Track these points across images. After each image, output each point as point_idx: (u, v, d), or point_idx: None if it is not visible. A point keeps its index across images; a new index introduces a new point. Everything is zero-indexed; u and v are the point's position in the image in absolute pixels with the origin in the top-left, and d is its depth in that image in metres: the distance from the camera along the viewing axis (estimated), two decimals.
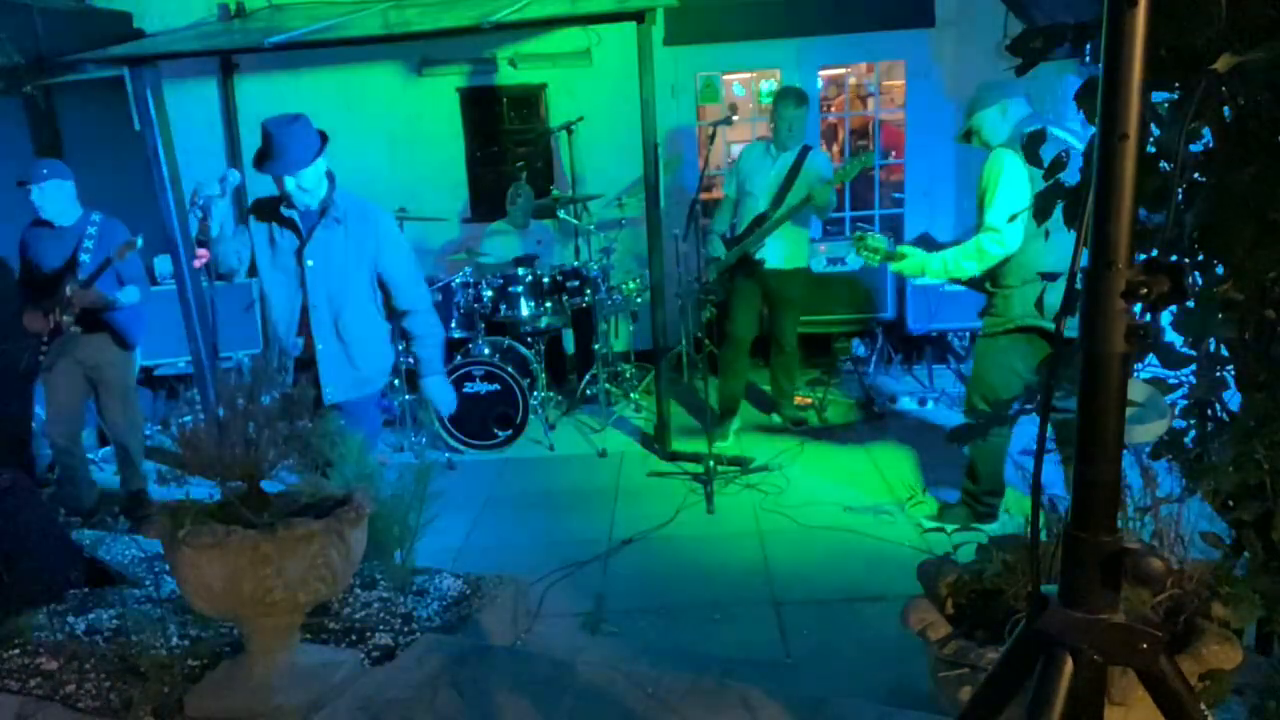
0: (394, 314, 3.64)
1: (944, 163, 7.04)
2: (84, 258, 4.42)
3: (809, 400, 5.89)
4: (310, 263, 3.42)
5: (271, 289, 3.52)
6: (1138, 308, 1.00)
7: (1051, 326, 3.54)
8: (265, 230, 3.49)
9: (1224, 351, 2.08)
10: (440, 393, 3.75)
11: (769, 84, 7.28)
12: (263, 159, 3.34)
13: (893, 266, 4.04)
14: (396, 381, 5.73)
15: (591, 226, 6.30)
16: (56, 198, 4.38)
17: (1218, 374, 2.07)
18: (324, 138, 3.38)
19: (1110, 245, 0.99)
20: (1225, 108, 1.94)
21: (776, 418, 5.66)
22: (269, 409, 2.55)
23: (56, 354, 4.44)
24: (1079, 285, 1.02)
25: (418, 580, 3.45)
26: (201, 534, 2.42)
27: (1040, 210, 2.28)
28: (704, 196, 6.05)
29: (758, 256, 5.17)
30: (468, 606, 3.29)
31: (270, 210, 3.47)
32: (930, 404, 5.78)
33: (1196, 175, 1.99)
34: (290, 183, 3.32)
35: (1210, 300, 1.96)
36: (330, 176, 3.45)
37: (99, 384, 4.59)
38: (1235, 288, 1.93)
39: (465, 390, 5.30)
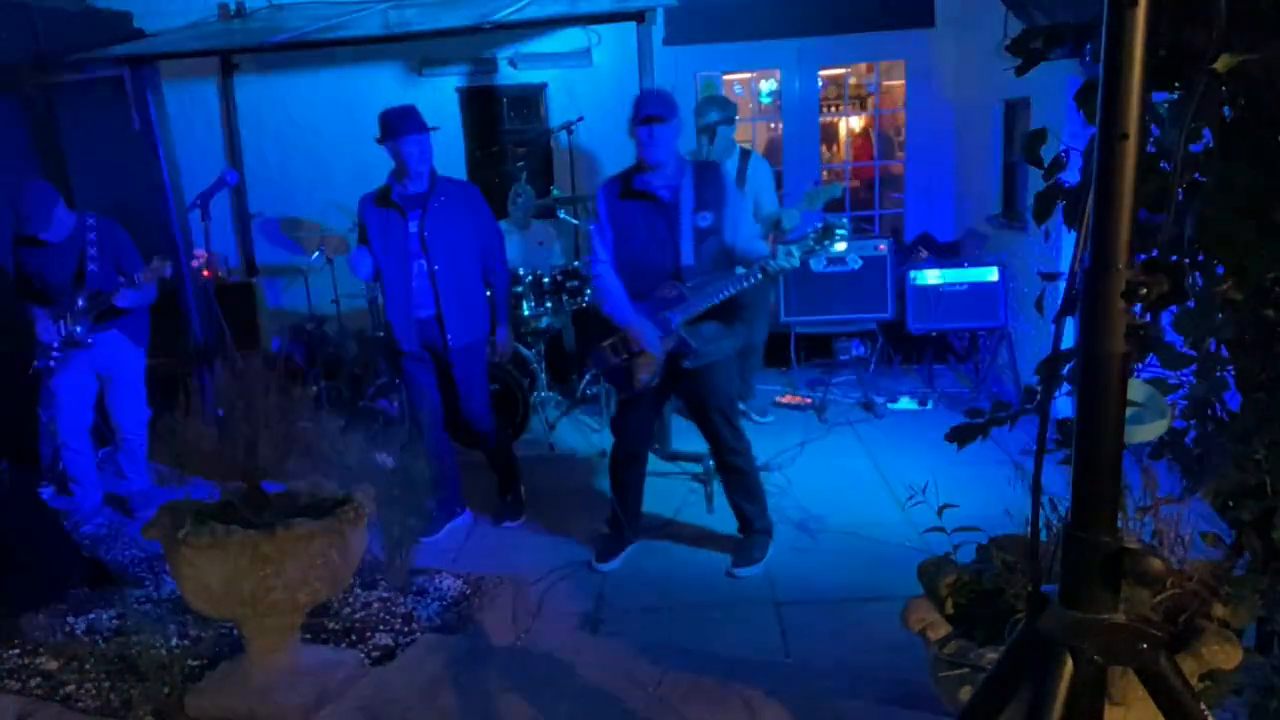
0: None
1: (944, 163, 7.05)
2: (91, 267, 4.40)
3: (808, 400, 5.90)
4: (427, 234, 4.02)
5: (386, 266, 4.09)
6: (1138, 308, 1.00)
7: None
8: (379, 216, 4.07)
9: (1224, 351, 2.08)
10: (506, 339, 4.39)
11: (769, 84, 7.28)
12: (390, 134, 3.96)
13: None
14: (397, 380, 5.73)
15: (591, 227, 6.29)
16: (59, 223, 4.34)
17: (1218, 374, 2.07)
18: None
19: (1110, 245, 0.99)
20: (1225, 108, 1.93)
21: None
22: (269, 409, 2.55)
23: (67, 357, 4.43)
24: (1079, 285, 1.02)
25: (418, 580, 3.45)
26: (201, 534, 2.43)
27: (1040, 210, 2.28)
28: None
29: None
30: (468, 606, 3.29)
31: (383, 198, 4.08)
32: (930, 404, 5.78)
33: (1196, 175, 1.99)
34: (414, 149, 3.93)
35: (1210, 300, 1.96)
36: (433, 167, 4.08)
37: (109, 381, 4.59)
38: (1235, 288, 1.93)
39: None
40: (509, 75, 6.99)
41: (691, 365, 3.66)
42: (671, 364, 3.67)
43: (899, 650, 2.94)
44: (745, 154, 5.17)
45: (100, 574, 3.66)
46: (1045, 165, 2.19)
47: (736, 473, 3.88)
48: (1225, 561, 1.97)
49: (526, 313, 5.60)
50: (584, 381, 6.16)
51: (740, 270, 3.59)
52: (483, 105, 7.10)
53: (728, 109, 5.08)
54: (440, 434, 4.34)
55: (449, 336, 4.10)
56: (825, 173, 7.51)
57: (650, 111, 3.49)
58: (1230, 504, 2.03)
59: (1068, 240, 4.99)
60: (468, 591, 3.40)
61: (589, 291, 5.81)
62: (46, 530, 3.62)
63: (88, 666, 2.95)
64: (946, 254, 6.51)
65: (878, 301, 5.93)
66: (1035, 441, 1.15)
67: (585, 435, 5.66)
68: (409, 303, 4.09)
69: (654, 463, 5.05)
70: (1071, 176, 2.22)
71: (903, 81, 7.16)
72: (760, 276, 3.54)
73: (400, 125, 3.94)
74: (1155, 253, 1.85)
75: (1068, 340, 1.15)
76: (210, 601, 2.55)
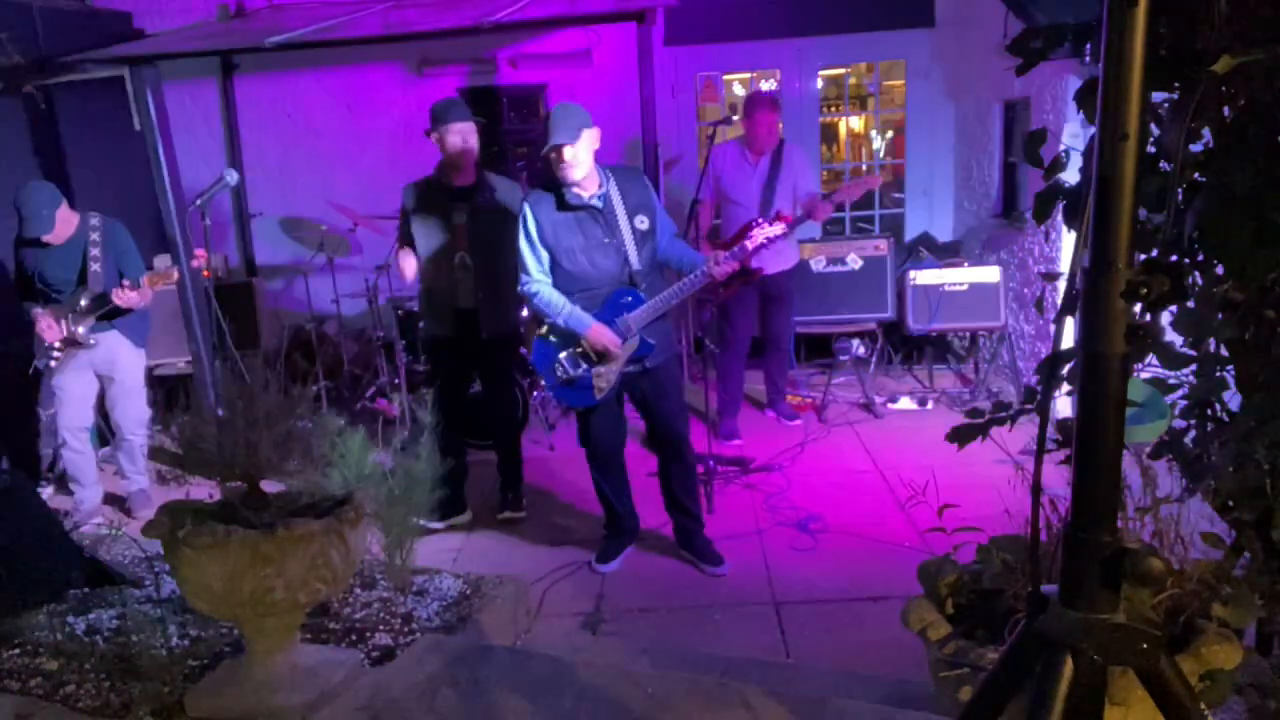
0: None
1: (944, 163, 7.04)
2: (94, 267, 4.39)
3: (809, 401, 5.90)
4: (471, 227, 4.13)
5: (428, 254, 4.18)
6: (1138, 308, 1.00)
7: None
8: (425, 204, 4.17)
9: (1224, 351, 2.08)
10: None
11: (769, 84, 7.28)
12: (437, 121, 4.11)
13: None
14: (396, 380, 5.73)
15: None
16: (62, 225, 4.31)
17: (1218, 374, 2.07)
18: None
19: (1110, 245, 0.99)
20: (1225, 108, 1.93)
21: (771, 413, 5.70)
22: (269, 409, 2.55)
23: (68, 356, 4.43)
24: (1079, 285, 1.02)
25: (418, 580, 3.45)
26: (201, 534, 2.42)
27: (1040, 210, 2.28)
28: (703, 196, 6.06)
29: (754, 266, 5.16)
30: (468, 606, 3.29)
31: (430, 187, 4.20)
32: (930, 404, 5.78)
33: (1196, 175, 1.99)
34: (457, 138, 4.10)
35: (1210, 300, 1.96)
36: (478, 162, 4.24)
37: (110, 381, 4.59)
38: (1235, 288, 1.93)
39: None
40: (509, 75, 6.99)
41: (650, 365, 3.70)
42: (626, 367, 3.70)
43: (899, 650, 2.95)
44: (780, 141, 5.22)
45: (100, 574, 3.65)
46: (1045, 165, 2.19)
47: (688, 466, 3.93)
48: (1225, 561, 1.97)
49: (525, 313, 5.59)
50: None
51: (688, 275, 3.64)
52: (483, 105, 7.09)
53: (779, 105, 5.29)
54: (457, 428, 4.37)
55: (483, 328, 4.19)
56: (824, 172, 7.50)
57: (557, 141, 3.49)
58: (1230, 504, 2.03)
59: (1068, 240, 4.99)
60: (468, 591, 3.40)
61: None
62: (46, 530, 3.62)
63: (88, 666, 2.94)
64: (946, 254, 6.51)
65: (878, 301, 5.93)
66: (1035, 441, 1.14)
67: None
68: (449, 292, 4.17)
69: (653, 463, 5.06)
70: (1071, 176, 2.22)
71: (903, 81, 7.16)
72: (702, 278, 3.60)
73: (447, 113, 4.09)
74: (1155, 253, 1.85)
75: (1068, 340, 1.15)
76: (210, 601, 2.55)
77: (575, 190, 3.60)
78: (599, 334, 3.61)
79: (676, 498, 3.92)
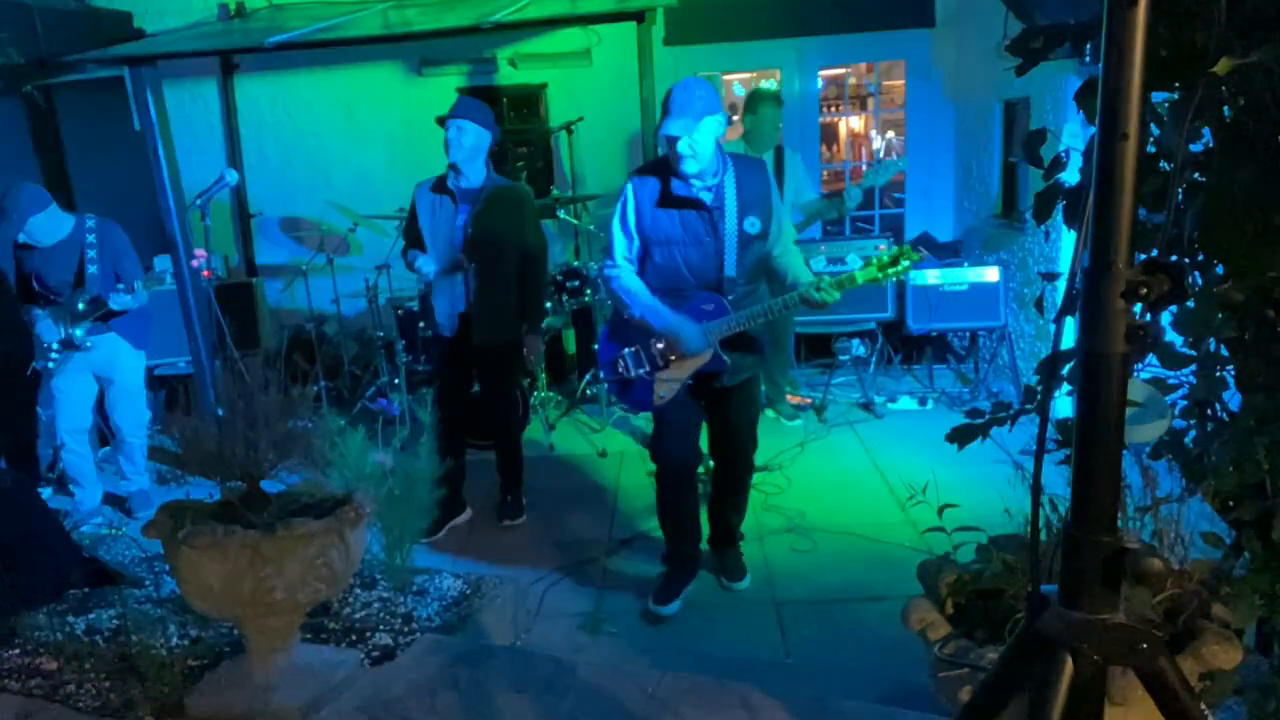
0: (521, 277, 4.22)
1: (944, 163, 7.05)
2: (91, 269, 4.39)
3: (809, 400, 5.90)
4: (472, 231, 4.05)
5: (433, 252, 4.15)
6: (1138, 308, 1.00)
7: None
8: (431, 201, 4.14)
9: (1224, 351, 2.08)
10: (534, 344, 4.37)
11: (769, 84, 7.29)
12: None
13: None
14: (396, 380, 5.73)
15: (591, 226, 6.30)
16: (47, 227, 4.27)
17: (1218, 374, 2.07)
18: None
19: (1110, 245, 0.99)
20: (1225, 108, 1.94)
21: (770, 413, 5.69)
22: (269, 409, 2.55)
23: (66, 358, 4.43)
24: (1079, 285, 1.02)
25: (418, 580, 3.45)
26: (201, 534, 2.42)
27: (1040, 210, 2.28)
28: None
29: None
30: (468, 606, 3.29)
31: (439, 185, 4.15)
32: (930, 404, 5.78)
33: (1196, 175, 1.99)
34: (451, 134, 3.98)
35: (1210, 300, 1.96)
36: (488, 163, 4.14)
37: (109, 383, 4.59)
38: (1235, 288, 1.93)
39: None
40: (509, 75, 6.99)
41: (727, 384, 3.35)
42: (699, 380, 3.34)
43: (899, 650, 2.94)
44: (779, 149, 5.24)
45: (100, 574, 3.65)
46: (1045, 165, 2.19)
47: (741, 488, 3.70)
48: (1225, 561, 1.97)
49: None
50: (584, 382, 6.16)
51: (783, 295, 3.19)
52: None
53: (781, 101, 5.27)
54: (456, 429, 4.32)
55: (475, 335, 4.14)
56: (824, 172, 7.51)
57: (671, 132, 3.07)
58: (1230, 504, 2.03)
59: (1068, 240, 4.99)
60: (468, 591, 3.40)
61: (589, 291, 5.81)
62: (46, 530, 3.62)
63: (88, 666, 2.94)
64: (946, 254, 6.50)
65: (878, 301, 5.92)
66: (1035, 441, 1.15)
67: (585, 435, 5.66)
68: (452, 292, 4.13)
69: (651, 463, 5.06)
70: (1071, 176, 2.22)
71: (903, 81, 7.16)
72: (796, 304, 3.15)
73: (451, 109, 4.05)
74: (1155, 253, 1.86)
75: (1068, 340, 1.15)
76: (210, 601, 2.55)
77: (687, 182, 3.18)
78: (675, 336, 3.22)
79: (723, 512, 3.72)
